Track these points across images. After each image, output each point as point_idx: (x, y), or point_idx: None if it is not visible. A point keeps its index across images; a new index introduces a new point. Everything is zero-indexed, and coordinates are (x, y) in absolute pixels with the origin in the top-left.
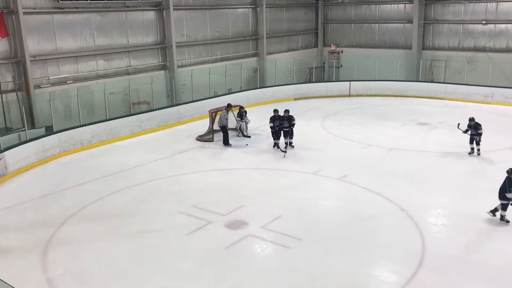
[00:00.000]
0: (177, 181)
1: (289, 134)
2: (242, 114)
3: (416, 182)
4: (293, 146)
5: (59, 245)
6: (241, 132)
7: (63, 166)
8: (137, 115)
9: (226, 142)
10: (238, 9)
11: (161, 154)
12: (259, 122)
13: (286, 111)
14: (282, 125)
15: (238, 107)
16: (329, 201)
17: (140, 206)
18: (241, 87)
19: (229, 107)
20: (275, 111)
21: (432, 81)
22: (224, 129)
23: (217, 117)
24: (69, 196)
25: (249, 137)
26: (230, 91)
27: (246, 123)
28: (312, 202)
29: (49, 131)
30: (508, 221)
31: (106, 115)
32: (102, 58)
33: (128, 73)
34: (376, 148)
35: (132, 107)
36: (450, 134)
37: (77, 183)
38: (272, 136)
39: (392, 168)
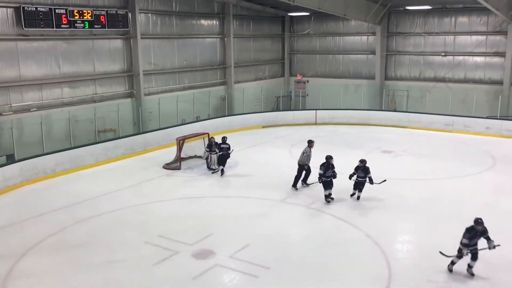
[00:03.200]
0: (143, 210)
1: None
2: (211, 145)
3: (381, 208)
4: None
5: (19, 278)
6: (207, 164)
7: (24, 196)
8: (103, 143)
9: (304, 181)
10: (206, 39)
11: (127, 183)
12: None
13: (362, 161)
14: (335, 174)
15: (208, 137)
16: (296, 229)
17: (104, 236)
18: (209, 114)
19: (310, 143)
20: (329, 157)
21: (395, 110)
22: (307, 168)
23: (302, 155)
24: (30, 227)
25: (214, 170)
26: (198, 119)
27: (217, 155)
28: (279, 230)
29: (11, 159)
30: (451, 270)
31: (70, 143)
32: (67, 86)
33: (94, 101)
34: (341, 176)
35: (98, 135)
36: (413, 161)
37: (38, 214)
38: (324, 186)
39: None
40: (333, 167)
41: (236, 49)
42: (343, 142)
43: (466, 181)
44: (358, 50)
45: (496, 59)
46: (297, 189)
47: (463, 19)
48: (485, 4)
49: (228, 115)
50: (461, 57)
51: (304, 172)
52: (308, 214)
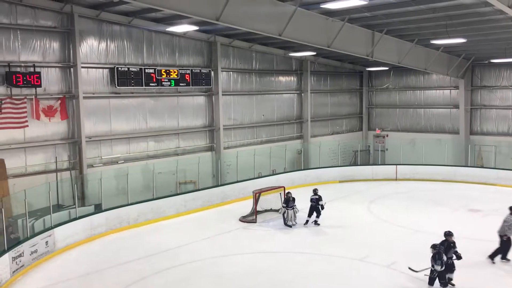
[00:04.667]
0: (219, 263)
1: None
2: (288, 200)
3: (468, 271)
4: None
5: None
6: (284, 220)
7: (109, 244)
8: (183, 195)
9: (503, 255)
10: (283, 94)
11: (204, 234)
12: (303, 204)
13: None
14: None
15: (285, 192)
16: None
17: (181, 287)
18: (285, 168)
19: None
20: (448, 234)
21: (482, 166)
22: (506, 240)
23: (503, 224)
24: (112, 275)
25: (290, 226)
26: (274, 172)
27: (295, 212)
28: None
29: (98, 209)
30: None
31: (153, 194)
32: (153, 140)
33: (177, 154)
34: (425, 235)
35: (179, 187)
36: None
37: (120, 262)
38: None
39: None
40: (454, 246)
41: (313, 103)
42: (427, 199)
43: None
44: (440, 104)
45: None
46: (508, 260)
47: None
48: None
49: (304, 169)
50: None
51: (502, 244)
52: (389, 274)
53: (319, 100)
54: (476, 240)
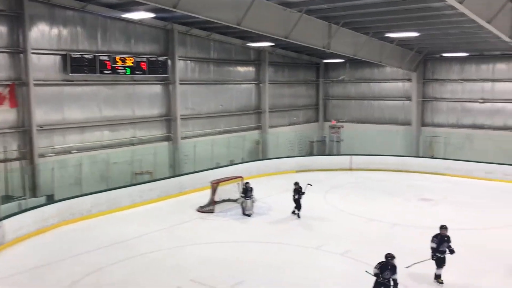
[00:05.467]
0: (176, 253)
1: None
2: (246, 190)
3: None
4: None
5: None
6: (243, 209)
7: (61, 236)
8: (139, 185)
9: None
10: (242, 85)
11: (161, 225)
12: (262, 193)
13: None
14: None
15: (243, 182)
16: (331, 278)
17: (138, 278)
18: (243, 158)
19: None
20: (442, 228)
21: (432, 157)
22: None
23: None
24: (66, 267)
25: (249, 216)
26: (232, 163)
27: (253, 202)
28: (313, 280)
29: (50, 200)
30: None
31: (107, 185)
32: (107, 129)
33: (132, 144)
34: (378, 223)
35: (135, 177)
36: (454, 210)
37: (74, 254)
38: (437, 264)
39: (396, 244)
40: (448, 240)
41: (271, 94)
42: (380, 188)
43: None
44: (393, 96)
45: None
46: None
47: (501, 66)
48: None
49: (262, 159)
50: (500, 104)
51: None
52: (344, 263)
53: (277, 91)
54: (428, 228)
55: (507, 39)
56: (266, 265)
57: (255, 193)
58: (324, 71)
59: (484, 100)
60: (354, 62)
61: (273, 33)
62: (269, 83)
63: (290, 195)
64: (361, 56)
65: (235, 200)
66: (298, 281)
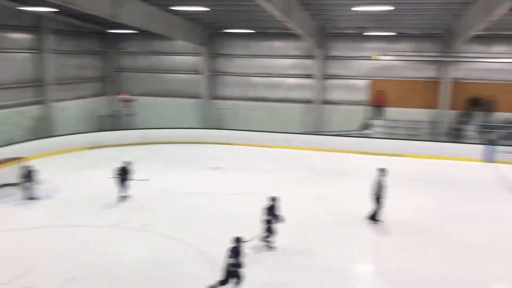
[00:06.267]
0: None
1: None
2: (29, 172)
3: (216, 224)
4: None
5: None
6: (26, 194)
7: None
8: None
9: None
10: (17, 54)
11: None
12: (48, 174)
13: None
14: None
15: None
16: (130, 254)
17: None
18: (23, 137)
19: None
20: (272, 199)
21: (222, 128)
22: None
23: (375, 186)
24: None
25: (37, 199)
26: (9, 142)
27: (37, 184)
28: (111, 257)
29: None
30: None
31: None
32: None
33: None
34: (174, 194)
35: None
36: (240, 176)
37: None
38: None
39: (190, 213)
40: (273, 208)
41: (54, 65)
42: (174, 160)
43: (296, 191)
44: (184, 69)
45: (307, 81)
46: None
47: (279, 44)
48: (295, 30)
49: (46, 137)
50: (279, 79)
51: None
52: (142, 237)
53: (61, 62)
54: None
55: (281, 18)
56: (58, 251)
57: (40, 175)
58: (115, 41)
59: (266, 75)
60: (146, 34)
61: None
62: (52, 53)
63: (80, 175)
64: (150, 29)
65: (16, 184)
66: (95, 261)
